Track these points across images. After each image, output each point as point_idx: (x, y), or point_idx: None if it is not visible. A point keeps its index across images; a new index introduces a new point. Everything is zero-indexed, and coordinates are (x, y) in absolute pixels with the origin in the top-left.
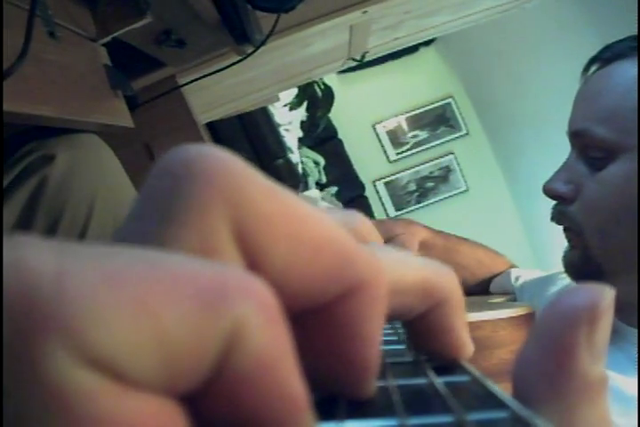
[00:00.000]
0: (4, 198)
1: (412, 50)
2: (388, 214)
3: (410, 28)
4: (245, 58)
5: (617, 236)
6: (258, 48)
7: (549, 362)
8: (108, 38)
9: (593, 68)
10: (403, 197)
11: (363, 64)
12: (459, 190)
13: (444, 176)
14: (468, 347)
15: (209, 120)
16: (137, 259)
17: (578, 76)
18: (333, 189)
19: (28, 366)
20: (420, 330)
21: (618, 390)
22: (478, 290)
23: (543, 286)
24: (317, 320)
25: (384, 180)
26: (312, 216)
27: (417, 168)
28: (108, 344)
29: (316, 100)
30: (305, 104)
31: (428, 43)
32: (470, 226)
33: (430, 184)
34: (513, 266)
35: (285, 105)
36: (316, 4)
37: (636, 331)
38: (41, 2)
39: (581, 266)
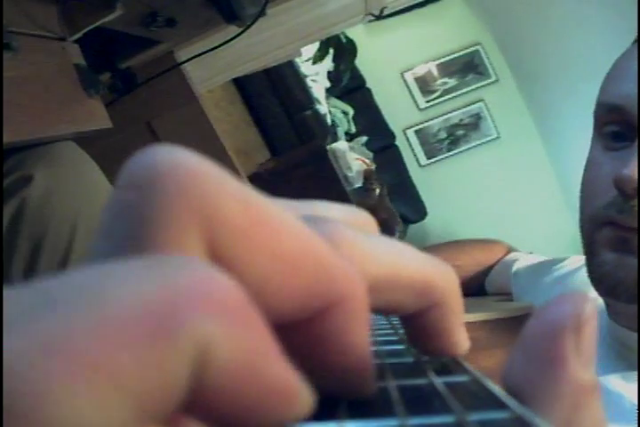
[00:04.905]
0: None
1: None
2: (419, 163)
3: None
4: (241, 33)
5: None
6: (252, 24)
7: (540, 371)
8: (80, 34)
9: None
10: (433, 145)
11: (388, 13)
12: (490, 138)
13: (474, 124)
14: (463, 345)
15: (231, 77)
16: (72, 303)
17: (610, 20)
18: (363, 139)
19: None
20: (415, 328)
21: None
22: (474, 285)
23: (537, 274)
24: (299, 335)
25: (414, 128)
26: (289, 228)
27: (447, 116)
28: (71, 420)
29: (342, 50)
30: (331, 54)
31: None
32: (502, 173)
33: (461, 132)
34: (510, 250)
35: (308, 59)
36: None
37: None
38: None
39: None
